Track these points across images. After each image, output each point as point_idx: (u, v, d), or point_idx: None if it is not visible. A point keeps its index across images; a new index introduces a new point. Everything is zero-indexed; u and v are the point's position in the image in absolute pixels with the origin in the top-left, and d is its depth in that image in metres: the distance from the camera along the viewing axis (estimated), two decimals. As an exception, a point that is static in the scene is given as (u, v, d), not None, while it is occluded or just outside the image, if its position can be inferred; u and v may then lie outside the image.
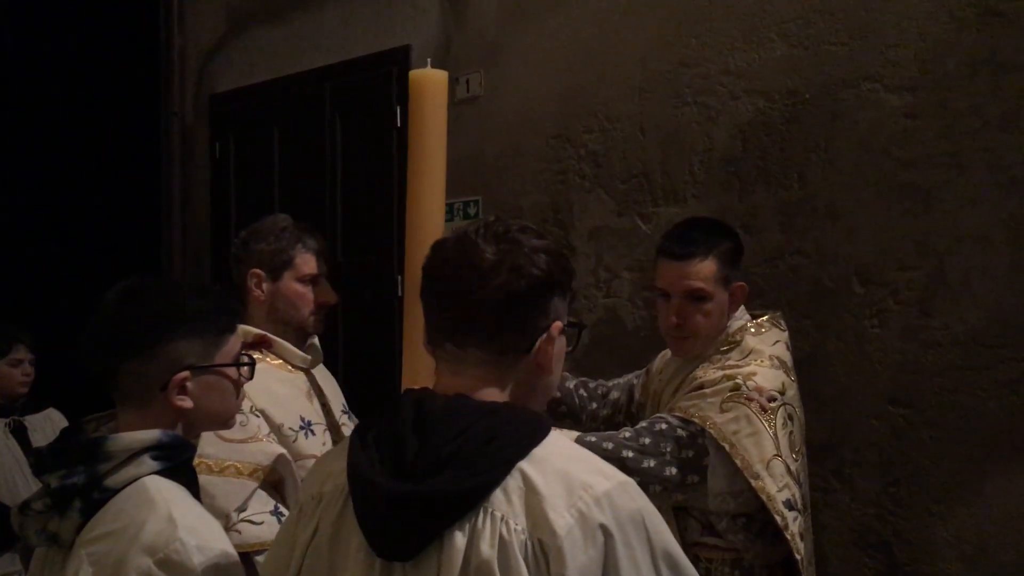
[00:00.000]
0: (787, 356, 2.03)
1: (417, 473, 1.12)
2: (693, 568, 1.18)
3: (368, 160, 4.16)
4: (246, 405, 2.00)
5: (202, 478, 1.91)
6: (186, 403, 1.40)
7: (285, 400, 2.10)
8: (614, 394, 2.30)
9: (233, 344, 1.47)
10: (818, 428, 2.85)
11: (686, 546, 1.95)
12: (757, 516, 1.90)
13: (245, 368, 1.49)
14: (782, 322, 2.09)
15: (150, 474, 1.34)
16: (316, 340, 2.27)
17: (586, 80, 3.45)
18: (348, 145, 4.24)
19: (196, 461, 1.92)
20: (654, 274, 2.13)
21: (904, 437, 2.71)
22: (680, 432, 1.91)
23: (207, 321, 1.44)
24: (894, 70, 2.73)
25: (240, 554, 1.42)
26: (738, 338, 2.03)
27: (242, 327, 2.16)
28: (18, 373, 3.40)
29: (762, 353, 1.99)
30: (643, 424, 1.93)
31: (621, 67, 3.35)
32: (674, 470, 1.88)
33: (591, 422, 2.27)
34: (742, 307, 2.09)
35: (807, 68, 2.91)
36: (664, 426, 1.91)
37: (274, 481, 2.02)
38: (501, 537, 1.10)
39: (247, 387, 2.02)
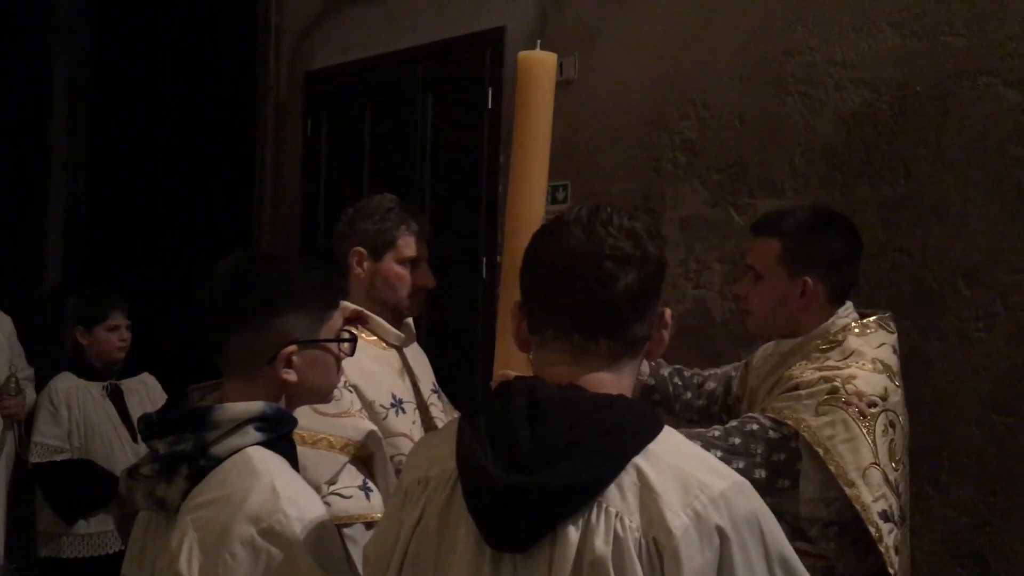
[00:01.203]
0: (893, 360, 1.95)
1: (530, 464, 1.10)
2: (807, 572, 1.14)
3: (458, 142, 4.15)
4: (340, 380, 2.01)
5: (297, 450, 1.94)
6: (291, 376, 1.41)
7: (378, 377, 2.11)
8: (710, 384, 2.24)
9: (336, 320, 1.47)
10: (914, 433, 2.75)
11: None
12: (851, 525, 1.81)
13: (346, 344, 1.49)
14: (891, 324, 2.01)
15: (253, 445, 1.35)
16: (411, 321, 2.27)
17: (684, 66, 3.38)
18: (439, 126, 4.24)
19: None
20: None
21: (1005, 446, 2.61)
22: (772, 434, 1.84)
23: (315, 296, 1.44)
24: (1014, 63, 2.62)
25: (328, 526, 1.43)
26: (840, 338, 1.94)
27: (342, 303, 2.19)
28: (115, 339, 3.49)
29: (864, 355, 1.90)
30: (733, 423, 1.87)
31: (721, 53, 3.27)
32: (764, 473, 1.81)
33: (685, 412, 2.22)
34: (850, 305, 2.01)
35: (919, 59, 2.81)
36: (756, 427, 1.85)
37: (364, 456, 2.02)
38: (616, 534, 1.07)
39: (346, 364, 2.05)
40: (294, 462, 1.43)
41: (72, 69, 6.18)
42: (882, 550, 1.78)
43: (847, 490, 1.78)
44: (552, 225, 1.24)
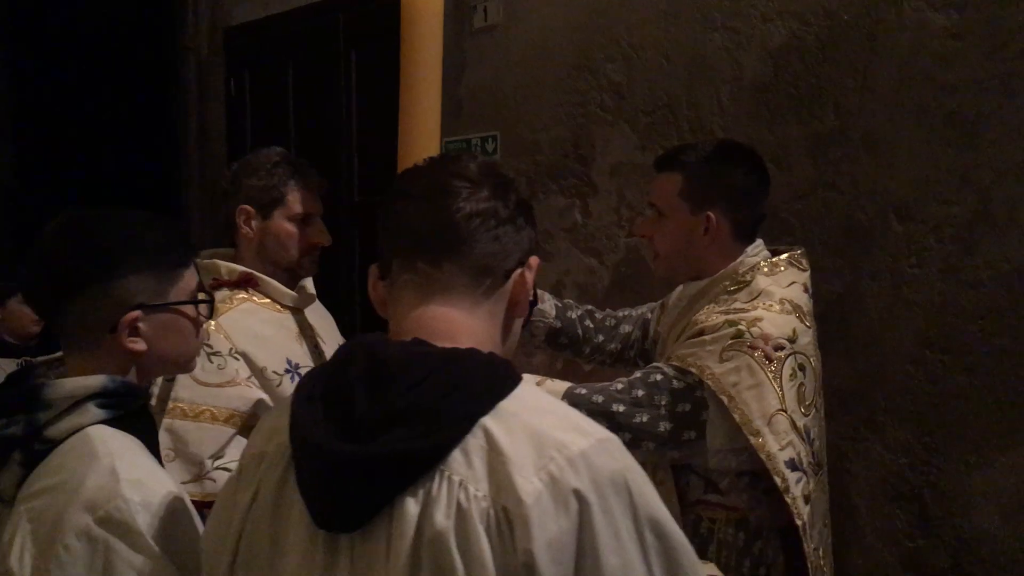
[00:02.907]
0: (804, 299, 1.85)
1: (365, 431, 0.98)
2: (682, 534, 1.03)
3: (384, 95, 3.98)
4: (225, 347, 1.88)
5: (176, 423, 1.82)
6: (139, 345, 1.28)
7: (270, 342, 1.98)
8: (625, 327, 2.14)
9: (188, 280, 1.34)
10: (849, 374, 2.69)
11: (688, 505, 1.81)
12: (762, 475, 1.73)
13: (204, 306, 1.35)
14: (804, 261, 1.91)
15: (95, 423, 1.23)
16: (308, 282, 2.14)
17: (608, 5, 3.24)
18: (363, 79, 4.07)
19: (171, 406, 1.83)
20: None
21: (941, 384, 2.54)
22: (676, 383, 1.74)
23: (159, 254, 1.30)
24: (939, -14, 2.51)
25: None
26: (748, 278, 1.84)
27: (226, 264, 2.05)
28: (29, 312, 3.33)
29: (772, 295, 1.80)
30: (637, 375, 1.77)
31: (646, -10, 3.14)
32: (669, 425, 1.72)
33: (596, 355, 2.11)
34: (760, 243, 1.91)
35: (844, -14, 2.69)
36: (659, 377, 1.75)
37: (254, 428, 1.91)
38: (459, 504, 0.96)
39: (228, 328, 1.92)
40: (151, 440, 1.30)
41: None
42: (788, 500, 1.70)
43: (752, 439, 1.68)
44: (404, 171, 1.15)
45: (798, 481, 1.70)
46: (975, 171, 2.47)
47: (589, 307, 2.20)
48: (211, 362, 1.84)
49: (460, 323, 1.07)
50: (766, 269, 1.85)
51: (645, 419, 1.71)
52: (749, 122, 2.90)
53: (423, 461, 0.97)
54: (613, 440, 1.03)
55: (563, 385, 1.79)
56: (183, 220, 4.63)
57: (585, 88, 3.32)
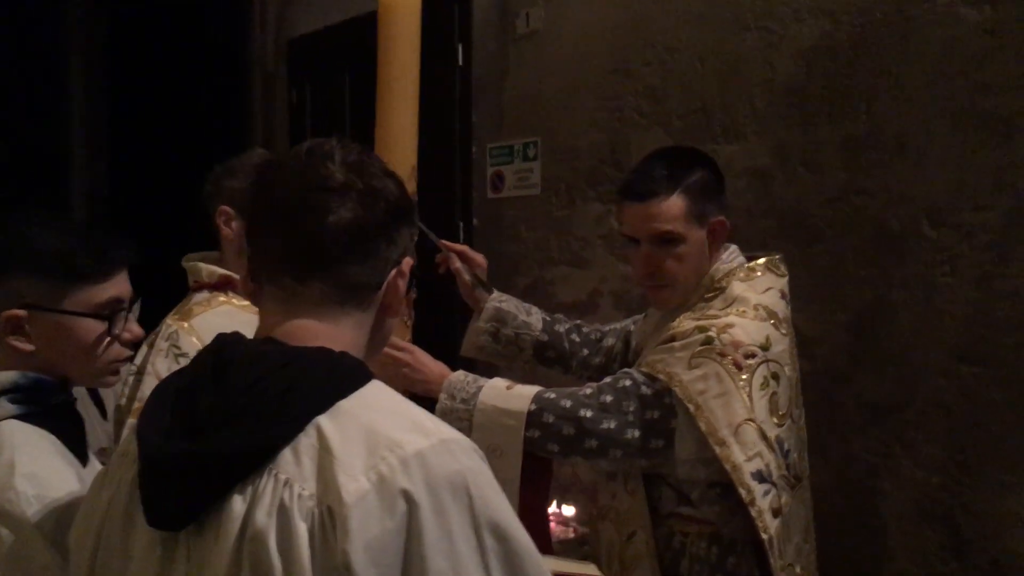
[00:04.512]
0: (780, 306, 1.76)
1: (203, 429, 0.97)
2: (529, 541, 0.99)
3: (431, 101, 4.01)
4: (193, 349, 1.91)
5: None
6: (24, 345, 1.30)
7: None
8: (609, 340, 2.09)
9: (97, 293, 1.34)
10: (879, 387, 2.58)
11: (661, 518, 1.75)
12: (734, 486, 1.65)
13: (123, 324, 1.36)
14: (782, 266, 1.83)
15: (8, 418, 1.26)
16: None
17: (645, 8, 3.19)
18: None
19: (136, 405, 1.87)
20: (619, 219, 1.90)
21: (974, 398, 2.40)
22: (645, 390, 1.69)
23: (56, 261, 1.31)
24: (972, -21, 2.38)
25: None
26: (723, 284, 1.77)
27: (207, 267, 2.09)
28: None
29: (747, 301, 1.73)
30: (607, 380, 1.72)
31: (680, -8, 3.08)
32: (636, 432, 1.67)
33: (583, 370, 2.07)
34: (735, 249, 1.84)
35: (877, -18, 2.58)
36: (628, 382, 1.70)
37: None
38: (281, 503, 0.94)
39: (200, 330, 1.95)
40: (74, 437, 1.33)
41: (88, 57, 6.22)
42: (754, 513, 1.62)
43: (718, 449, 1.62)
44: (275, 161, 1.13)
45: (765, 494, 1.63)
46: (1010, 173, 2.33)
47: (578, 321, 2.17)
48: (177, 363, 1.88)
49: (322, 331, 1.06)
50: (742, 275, 1.78)
51: (612, 425, 1.66)
52: (782, 125, 2.81)
53: (252, 459, 0.96)
54: (458, 441, 1.00)
55: (533, 389, 1.76)
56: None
57: (622, 92, 3.28)
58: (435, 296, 3.82)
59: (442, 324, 3.77)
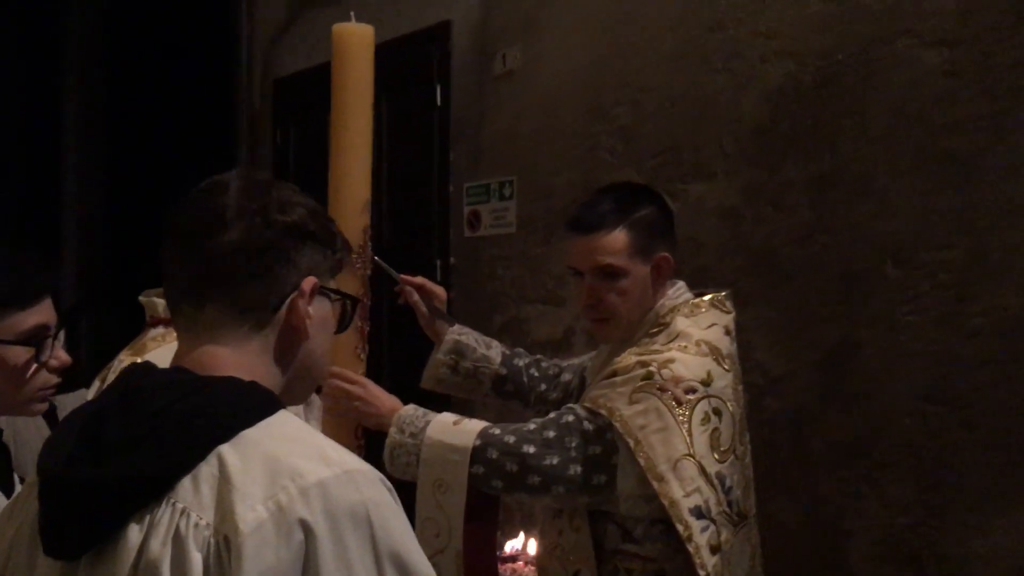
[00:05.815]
0: (724, 342, 1.76)
1: (105, 457, 0.97)
2: (431, 570, 0.99)
3: (410, 141, 4.05)
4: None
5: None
6: None
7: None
8: (566, 376, 2.08)
9: (22, 320, 1.34)
10: (846, 427, 2.57)
11: (606, 554, 1.73)
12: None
13: (48, 353, 1.36)
14: (727, 303, 1.83)
15: None
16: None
17: (618, 49, 3.23)
18: (392, 127, 4.14)
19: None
20: (565, 250, 1.92)
21: (940, 438, 2.39)
22: (587, 425, 1.68)
23: None
24: (931, 21, 2.41)
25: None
26: (668, 319, 1.77)
27: (162, 302, 2.09)
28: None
29: (690, 337, 1.73)
30: (551, 415, 1.72)
31: (653, 32, 3.11)
32: (579, 469, 1.66)
33: (539, 404, 2.06)
34: (682, 285, 1.84)
35: (840, 24, 2.61)
36: (571, 418, 1.69)
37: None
38: (177, 532, 0.93)
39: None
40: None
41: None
42: (691, 549, 1.61)
43: (656, 485, 1.61)
44: (172, 206, 1.13)
45: (703, 530, 1.62)
46: (970, 212, 2.34)
47: (538, 356, 2.17)
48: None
49: (227, 359, 1.05)
50: (686, 311, 1.78)
51: (555, 461, 1.66)
52: (749, 165, 2.83)
53: (150, 487, 0.96)
54: (363, 472, 0.99)
55: (479, 424, 1.75)
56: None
57: (595, 131, 3.30)
58: (412, 330, 3.84)
59: (416, 358, 3.76)
